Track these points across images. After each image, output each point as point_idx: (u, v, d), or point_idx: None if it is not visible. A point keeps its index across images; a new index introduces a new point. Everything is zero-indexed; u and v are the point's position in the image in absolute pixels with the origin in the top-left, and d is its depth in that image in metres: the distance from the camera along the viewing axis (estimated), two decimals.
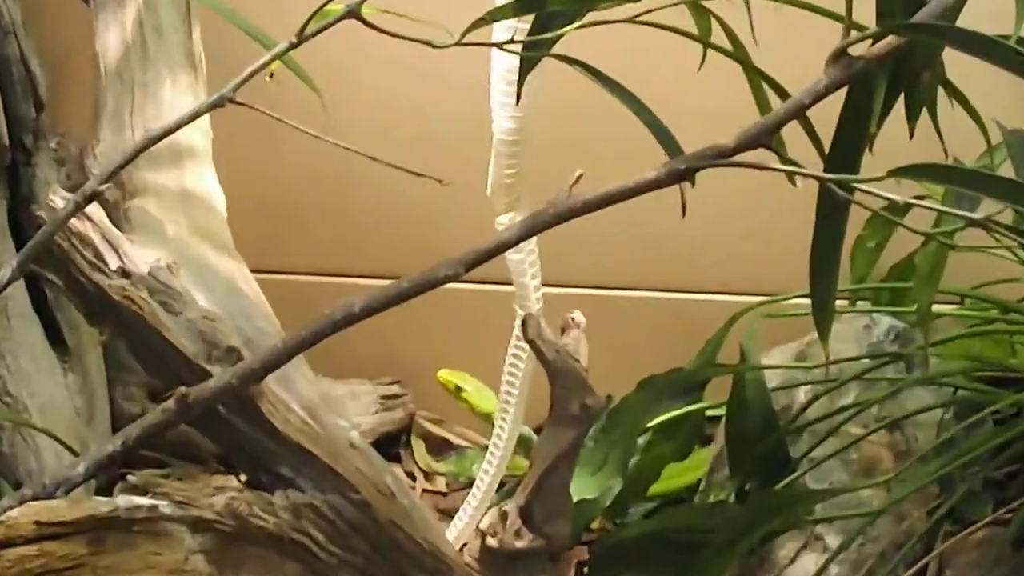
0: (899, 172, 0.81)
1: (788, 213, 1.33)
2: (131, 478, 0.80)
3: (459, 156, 1.28)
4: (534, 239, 1.19)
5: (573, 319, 1.03)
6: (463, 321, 1.56)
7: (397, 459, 1.53)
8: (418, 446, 1.56)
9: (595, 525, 1.37)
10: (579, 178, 0.85)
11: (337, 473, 0.87)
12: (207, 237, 0.98)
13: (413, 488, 1.48)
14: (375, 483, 0.91)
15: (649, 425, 1.28)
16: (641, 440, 1.29)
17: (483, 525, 1.02)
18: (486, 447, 1.41)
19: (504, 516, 1.01)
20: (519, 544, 1.00)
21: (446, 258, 0.90)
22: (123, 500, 0.78)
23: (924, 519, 1.26)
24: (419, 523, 0.93)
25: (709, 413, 1.31)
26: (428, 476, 1.53)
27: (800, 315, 1.33)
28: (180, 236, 0.97)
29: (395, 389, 1.56)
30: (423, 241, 1.50)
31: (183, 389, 0.80)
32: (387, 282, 0.88)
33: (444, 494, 1.50)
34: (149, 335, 0.84)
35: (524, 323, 1.00)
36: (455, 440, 1.57)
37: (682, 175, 0.82)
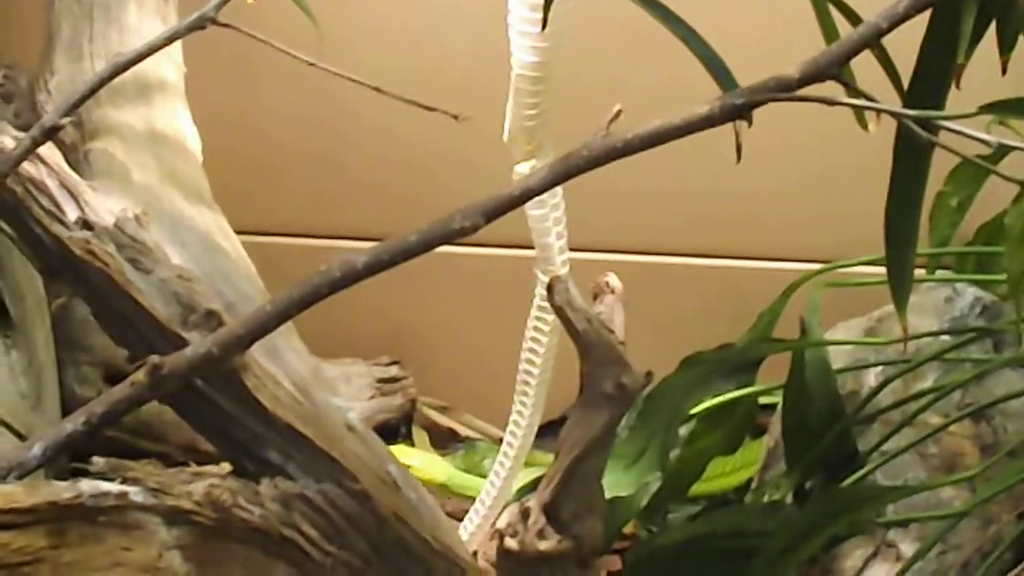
0: (992, 108, 0.82)
1: (856, 166, 1.35)
2: (97, 460, 0.81)
3: (471, 96, 1.28)
4: (559, 193, 1.20)
5: (607, 283, 1.03)
6: (474, 292, 1.57)
7: None
8: (420, 437, 1.57)
9: (627, 530, 1.39)
10: (618, 114, 0.86)
11: (333, 459, 0.88)
12: (180, 185, 0.99)
13: None
14: (376, 472, 0.93)
15: (692, 412, 1.29)
16: (683, 430, 1.30)
17: (501, 524, 1.03)
18: (500, 439, 1.42)
19: (526, 513, 1.01)
20: (543, 546, 1.01)
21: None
22: (88, 485, 0.79)
23: (1015, 523, 1.27)
24: (428, 520, 0.94)
25: (762, 401, 1.32)
26: None
27: (869, 284, 1.34)
28: (149, 183, 0.98)
29: (394, 371, 1.57)
30: (427, 197, 1.51)
31: (155, 359, 0.81)
32: None
33: None
34: (116, 296, 0.85)
35: (550, 287, 1.01)
36: (463, 431, 1.59)
37: (738, 111, 0.83)
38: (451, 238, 0.83)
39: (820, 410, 1.24)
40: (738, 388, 1.24)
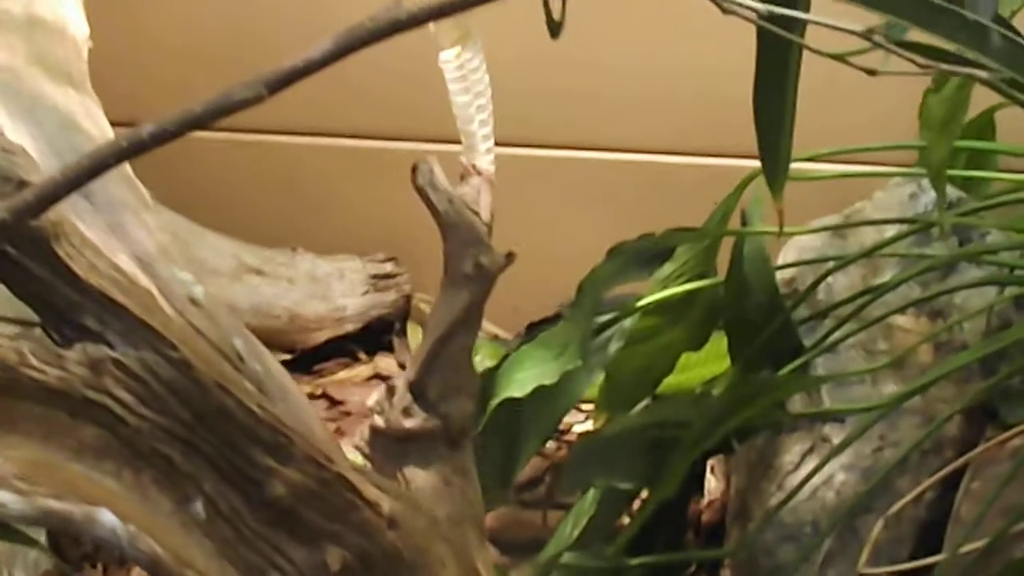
0: None
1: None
2: None
3: None
4: (485, 81, 1.20)
5: (474, 166, 1.04)
6: None
7: (389, 347, 1.56)
8: (415, 333, 1.59)
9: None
10: None
11: (150, 328, 0.89)
12: (49, 68, 1.01)
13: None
14: (217, 345, 0.94)
15: (642, 304, 1.28)
16: (632, 323, 1.30)
17: (370, 402, 1.04)
18: (496, 336, 1.43)
19: (391, 391, 1.03)
20: (408, 424, 1.02)
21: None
22: None
23: (961, 422, 1.24)
24: (275, 392, 0.96)
25: None
26: None
27: (817, 178, 1.32)
28: (14, 64, 1.00)
29: (388, 268, 1.58)
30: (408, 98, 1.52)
31: None
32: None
33: None
34: None
35: (414, 169, 1.01)
36: None
37: None
38: (234, 109, 0.83)
39: (759, 303, 1.23)
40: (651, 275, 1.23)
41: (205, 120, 0.85)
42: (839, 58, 0.88)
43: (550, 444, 1.48)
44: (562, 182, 1.52)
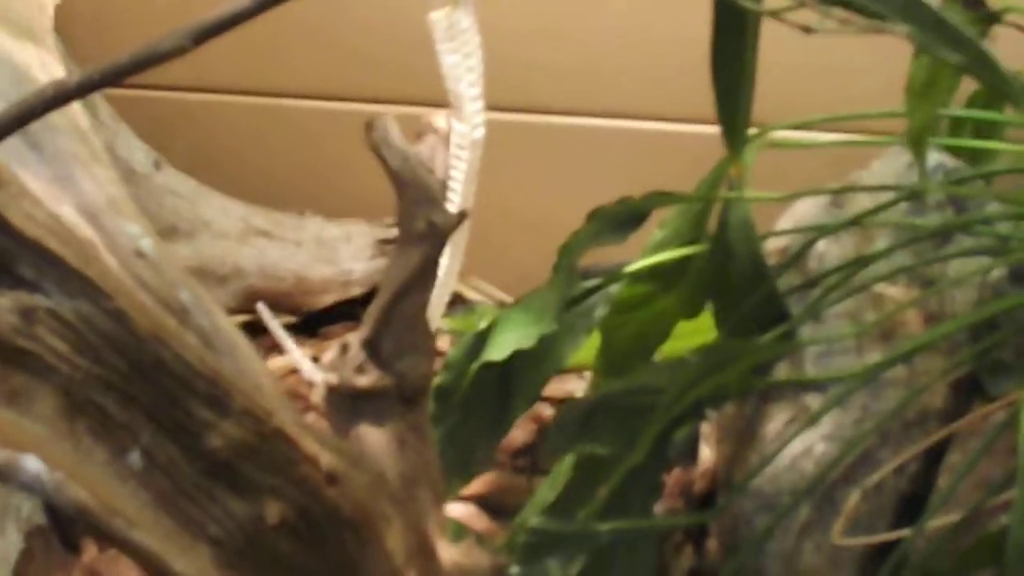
0: None
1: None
2: None
3: None
4: (474, 42, 1.20)
5: (431, 124, 1.04)
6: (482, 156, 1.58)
7: None
8: None
9: None
10: None
11: (86, 278, 0.89)
12: (9, 23, 1.02)
13: None
14: (161, 297, 0.95)
15: (630, 270, 1.27)
16: (621, 289, 1.29)
17: (324, 360, 1.04)
18: (502, 303, 1.43)
19: (345, 349, 1.03)
20: (361, 382, 1.02)
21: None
22: None
23: (948, 395, 1.22)
24: (219, 346, 0.97)
25: None
26: None
27: (803, 146, 1.30)
28: None
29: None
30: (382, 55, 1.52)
31: None
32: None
33: (443, 354, 1.52)
34: None
35: (369, 126, 1.01)
36: (470, 294, 1.59)
37: None
38: (159, 60, 0.84)
39: (742, 270, 1.21)
40: (624, 239, 1.22)
41: (130, 71, 0.86)
42: (774, 15, 0.87)
43: (548, 410, 1.48)
44: (573, 149, 1.52)
